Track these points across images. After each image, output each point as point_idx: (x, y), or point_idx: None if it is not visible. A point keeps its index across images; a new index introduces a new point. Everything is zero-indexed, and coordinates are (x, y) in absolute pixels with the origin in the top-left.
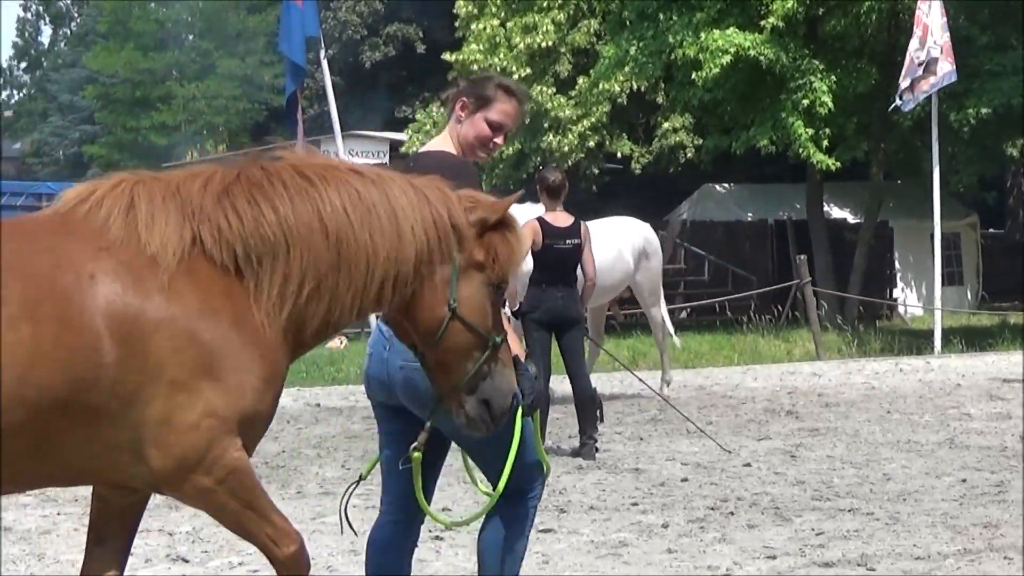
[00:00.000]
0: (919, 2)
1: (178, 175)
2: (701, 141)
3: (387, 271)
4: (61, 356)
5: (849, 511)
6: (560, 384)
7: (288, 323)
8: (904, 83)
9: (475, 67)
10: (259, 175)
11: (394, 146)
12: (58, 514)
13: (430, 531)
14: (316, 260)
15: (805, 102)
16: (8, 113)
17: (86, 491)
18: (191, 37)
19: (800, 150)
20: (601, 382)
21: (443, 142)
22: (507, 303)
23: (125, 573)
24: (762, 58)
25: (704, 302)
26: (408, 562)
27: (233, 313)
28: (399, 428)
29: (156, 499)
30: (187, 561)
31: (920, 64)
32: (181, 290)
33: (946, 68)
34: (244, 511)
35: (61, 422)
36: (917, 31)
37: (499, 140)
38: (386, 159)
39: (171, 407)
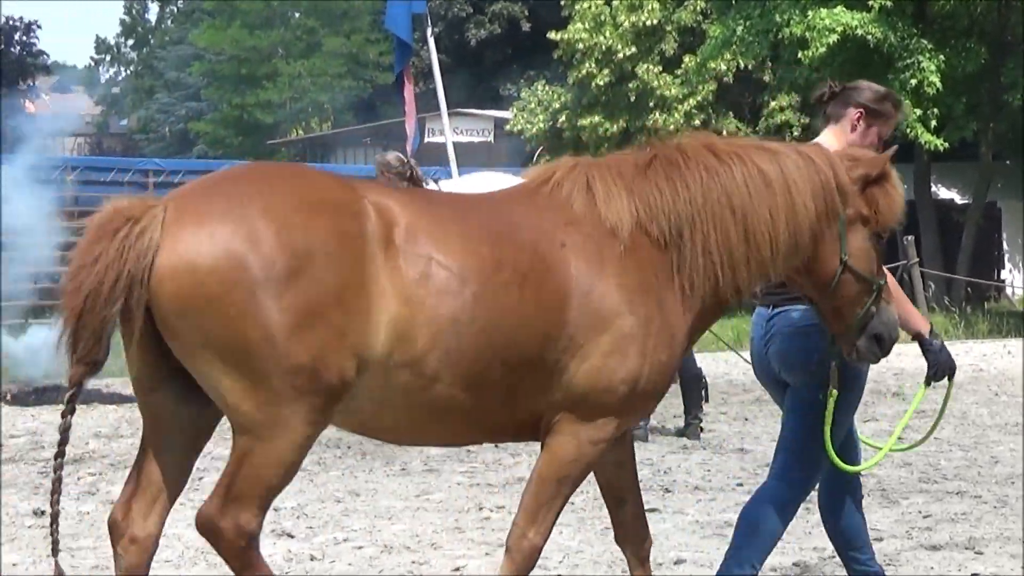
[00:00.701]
0: None
1: (615, 158)
2: (808, 120)
3: (786, 240)
4: (539, 317)
5: (957, 494)
6: None
7: (704, 291)
8: None
9: (580, 46)
10: (676, 156)
11: (499, 124)
12: None
13: None
14: (726, 234)
15: (913, 82)
16: (115, 90)
17: None
18: (297, 15)
19: (908, 130)
20: (706, 362)
21: (827, 143)
22: None
23: None
24: (870, 37)
25: None
26: (858, 513)
27: (660, 289)
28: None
29: None
30: (292, 536)
31: None
32: (628, 263)
33: None
34: (562, 486)
35: (524, 377)
36: None
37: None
38: (491, 137)
39: (601, 367)
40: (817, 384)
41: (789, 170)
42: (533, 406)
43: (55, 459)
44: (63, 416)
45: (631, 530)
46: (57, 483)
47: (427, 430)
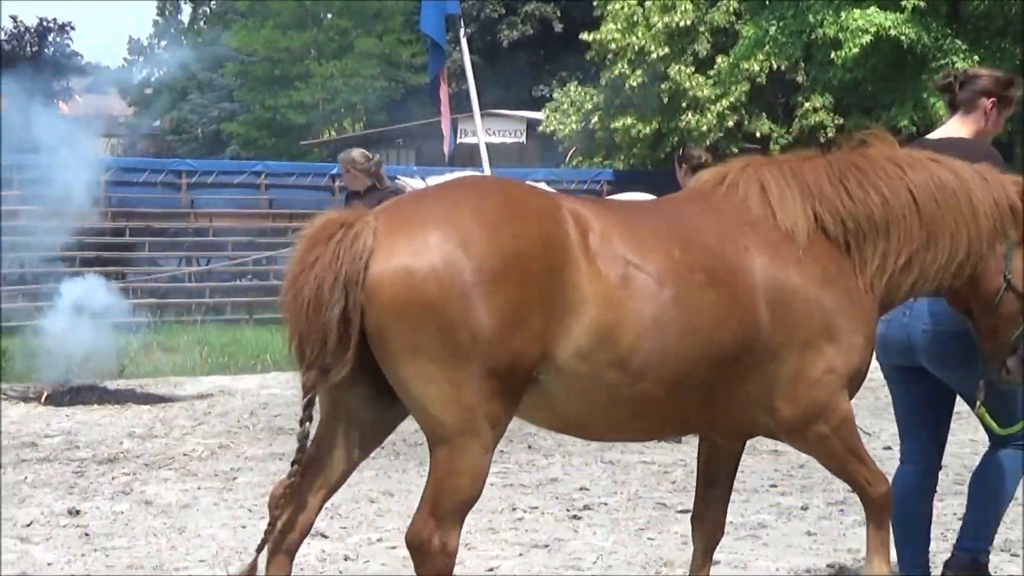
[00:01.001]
0: None
1: (789, 160)
2: (842, 121)
3: (965, 248)
4: (735, 319)
5: None
6: None
7: (882, 292)
8: None
9: (612, 46)
10: (863, 163)
11: (531, 125)
12: (198, 488)
13: (567, 510)
14: (910, 238)
15: None
16: (148, 91)
17: (225, 466)
18: (329, 16)
19: None
20: None
21: (958, 132)
22: None
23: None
24: (903, 37)
25: None
26: (930, 502)
27: (844, 283)
28: (916, 389)
29: None
30: (326, 537)
31: None
32: (808, 262)
33: None
34: (848, 455)
35: (724, 378)
36: None
37: None
38: (523, 138)
39: (801, 364)
40: (975, 383)
41: (968, 183)
42: (730, 404)
43: (292, 465)
44: (301, 424)
45: (710, 511)
46: (289, 494)
47: (627, 426)
